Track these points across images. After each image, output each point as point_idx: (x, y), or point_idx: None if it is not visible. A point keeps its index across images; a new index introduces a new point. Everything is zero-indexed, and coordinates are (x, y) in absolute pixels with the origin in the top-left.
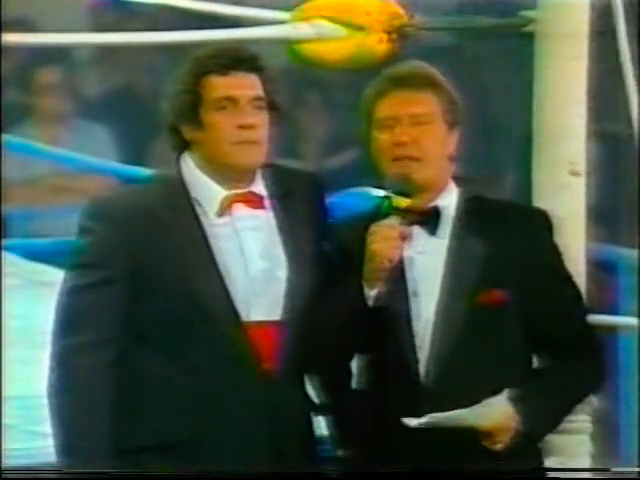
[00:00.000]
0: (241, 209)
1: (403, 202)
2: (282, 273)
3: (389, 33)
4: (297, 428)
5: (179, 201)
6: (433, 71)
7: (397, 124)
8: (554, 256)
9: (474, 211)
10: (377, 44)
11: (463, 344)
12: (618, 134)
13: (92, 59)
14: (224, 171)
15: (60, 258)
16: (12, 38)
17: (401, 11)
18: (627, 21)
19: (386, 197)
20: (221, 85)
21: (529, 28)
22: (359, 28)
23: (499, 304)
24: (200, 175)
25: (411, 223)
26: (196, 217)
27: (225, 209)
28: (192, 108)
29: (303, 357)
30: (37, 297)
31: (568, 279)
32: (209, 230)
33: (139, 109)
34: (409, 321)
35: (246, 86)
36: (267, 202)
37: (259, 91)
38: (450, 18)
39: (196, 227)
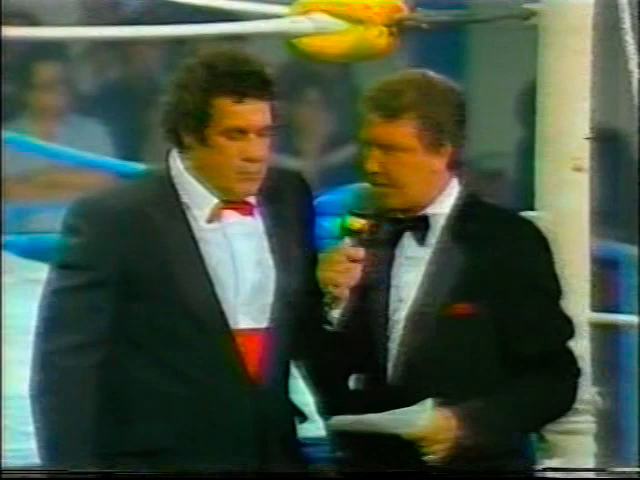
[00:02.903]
0: (231, 215)
1: (356, 223)
2: (270, 280)
3: (389, 26)
4: (283, 434)
5: (169, 203)
6: (422, 88)
7: (371, 151)
8: (533, 270)
9: (462, 219)
10: (377, 38)
11: (430, 353)
12: (622, 130)
13: (87, 53)
14: (218, 189)
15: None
16: (9, 32)
17: (401, 4)
18: (632, 15)
19: (341, 218)
20: (234, 113)
21: (532, 21)
22: (359, 22)
23: (470, 316)
24: (190, 180)
25: (397, 232)
26: (186, 221)
27: (215, 216)
28: (198, 124)
29: (289, 364)
30: (33, 295)
31: (547, 294)
32: (199, 235)
33: (135, 104)
34: (386, 327)
35: (257, 115)
36: (256, 209)
37: (268, 120)
38: (451, 11)
39: (186, 231)
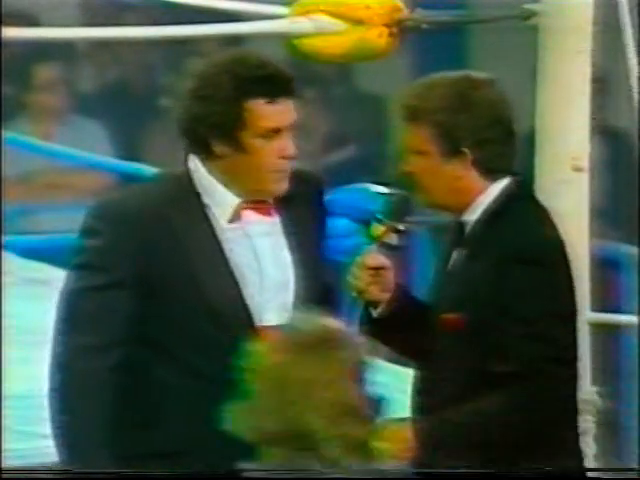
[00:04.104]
0: (250, 215)
1: (378, 229)
2: (290, 278)
3: (389, 27)
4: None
5: (189, 204)
6: (442, 92)
7: (404, 154)
8: (515, 292)
9: (480, 230)
10: (377, 38)
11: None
12: (622, 129)
13: (87, 54)
14: (249, 191)
15: (56, 255)
16: (9, 32)
17: (401, 4)
18: (632, 14)
19: (368, 226)
20: (269, 114)
21: (532, 21)
22: (359, 22)
23: (457, 328)
24: (213, 182)
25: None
26: (208, 221)
27: (236, 216)
28: (232, 130)
29: None
30: (32, 295)
31: (526, 318)
32: (221, 235)
33: (134, 105)
34: None
35: (288, 113)
36: (274, 208)
37: (294, 116)
38: (452, 11)
39: (208, 231)
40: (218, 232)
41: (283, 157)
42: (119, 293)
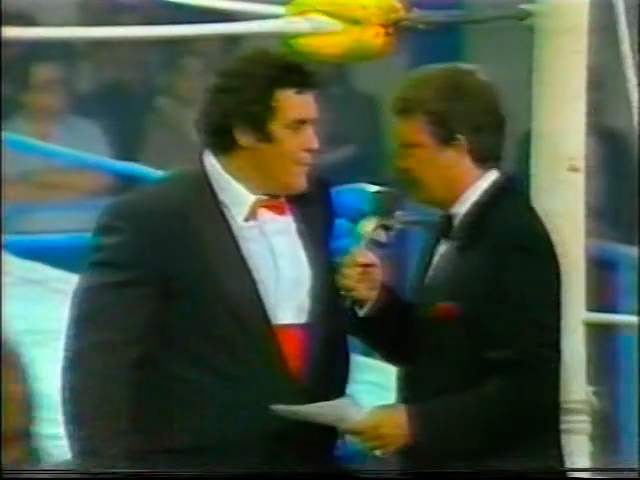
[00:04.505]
0: (265, 214)
1: (366, 227)
2: (306, 276)
3: (386, 27)
4: (324, 431)
5: (206, 203)
6: (432, 83)
7: (396, 148)
8: (513, 280)
9: (471, 221)
10: (374, 38)
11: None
12: (618, 130)
13: (84, 54)
14: (269, 186)
15: (52, 255)
16: (6, 32)
17: (398, 4)
18: (627, 14)
19: (357, 223)
20: (298, 104)
21: (528, 22)
22: (355, 22)
23: (451, 318)
24: (229, 179)
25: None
26: (224, 220)
27: (252, 214)
28: (261, 119)
29: (329, 360)
30: (29, 296)
31: (520, 304)
32: (238, 233)
33: (131, 105)
34: None
35: (312, 106)
36: (288, 207)
37: (316, 111)
38: (448, 11)
39: (225, 229)
40: (235, 230)
41: (307, 150)
42: (139, 290)
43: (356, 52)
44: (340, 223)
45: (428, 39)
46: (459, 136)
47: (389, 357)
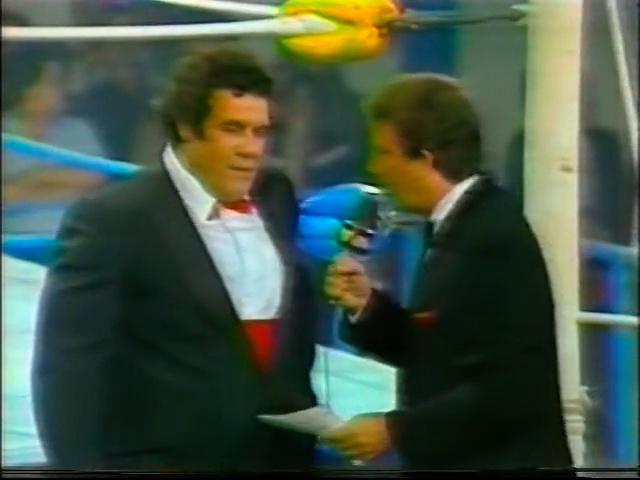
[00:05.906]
0: (229, 212)
1: (346, 235)
2: (273, 271)
3: (379, 27)
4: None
5: (169, 201)
6: (408, 93)
7: (371, 154)
8: (486, 284)
9: (450, 228)
10: (367, 38)
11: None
12: (611, 130)
13: (78, 55)
14: (213, 188)
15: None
16: (6, 33)
17: (391, 5)
18: (620, 15)
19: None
20: (234, 106)
21: (522, 22)
22: (348, 22)
23: (430, 325)
24: (188, 177)
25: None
26: (187, 218)
27: (215, 213)
28: (197, 116)
29: (299, 354)
30: (21, 295)
31: (496, 309)
32: (202, 231)
33: (125, 105)
34: None
35: (255, 111)
36: (251, 205)
37: (265, 118)
38: (441, 12)
39: (189, 228)
40: (199, 228)
41: (241, 154)
42: (104, 292)
43: (350, 52)
44: (332, 223)
45: (422, 39)
46: (424, 152)
47: (385, 362)
